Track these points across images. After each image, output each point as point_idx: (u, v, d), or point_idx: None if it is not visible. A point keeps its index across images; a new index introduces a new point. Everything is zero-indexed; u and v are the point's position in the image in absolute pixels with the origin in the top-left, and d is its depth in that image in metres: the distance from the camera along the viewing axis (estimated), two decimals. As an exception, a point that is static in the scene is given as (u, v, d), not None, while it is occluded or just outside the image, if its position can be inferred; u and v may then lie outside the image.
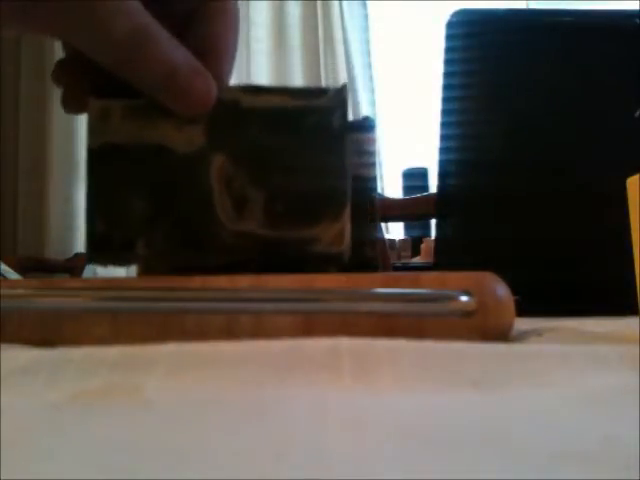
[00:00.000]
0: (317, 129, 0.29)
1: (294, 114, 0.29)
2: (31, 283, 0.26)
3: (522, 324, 0.26)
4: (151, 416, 0.13)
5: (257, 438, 0.12)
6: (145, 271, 0.30)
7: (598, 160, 0.56)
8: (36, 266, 1.72)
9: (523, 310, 0.25)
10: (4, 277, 0.78)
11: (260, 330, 0.23)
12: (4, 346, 0.21)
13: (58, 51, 0.33)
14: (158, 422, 0.13)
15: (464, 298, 0.22)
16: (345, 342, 0.18)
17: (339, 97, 0.30)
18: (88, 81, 0.31)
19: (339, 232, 0.28)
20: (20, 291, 0.25)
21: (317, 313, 0.23)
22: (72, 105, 0.31)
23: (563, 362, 0.17)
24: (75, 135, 1.93)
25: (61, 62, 0.32)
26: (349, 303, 0.23)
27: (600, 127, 0.56)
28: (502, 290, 0.23)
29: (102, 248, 0.29)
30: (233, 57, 0.33)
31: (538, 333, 0.25)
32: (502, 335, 0.23)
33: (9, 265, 0.85)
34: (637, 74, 0.54)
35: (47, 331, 0.24)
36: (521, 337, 0.25)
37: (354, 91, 2.02)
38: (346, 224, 0.28)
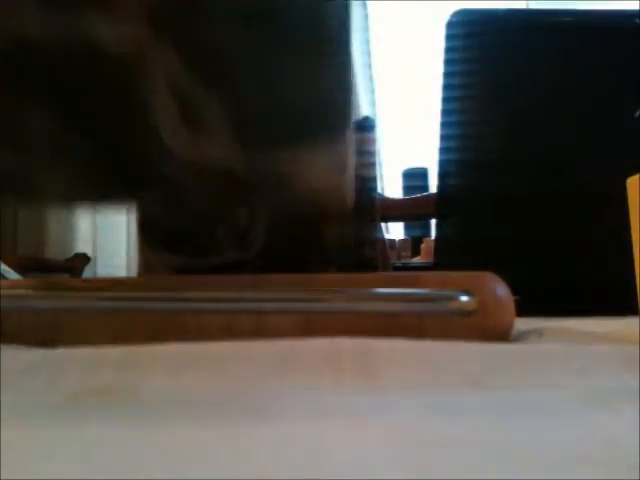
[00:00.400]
0: (309, 24, 0.20)
1: (277, 2, 0.20)
2: (31, 283, 0.26)
3: (522, 324, 0.26)
4: (151, 416, 0.13)
5: (257, 438, 0.12)
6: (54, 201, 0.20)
7: (598, 160, 0.56)
8: (36, 266, 1.72)
9: (523, 310, 0.25)
10: (4, 277, 0.78)
11: (260, 330, 0.23)
12: (4, 346, 0.21)
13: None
14: (158, 422, 0.13)
15: (464, 298, 0.22)
16: (345, 342, 0.18)
17: None
18: None
19: (337, 166, 0.20)
20: (20, 291, 0.25)
21: (317, 313, 0.23)
22: None
23: (563, 362, 0.17)
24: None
25: None
26: (349, 303, 0.23)
27: (600, 127, 0.56)
28: (502, 290, 0.23)
29: None
30: None
31: (538, 333, 0.25)
32: (502, 335, 0.23)
33: (9, 265, 0.85)
34: (637, 74, 0.54)
35: (47, 331, 0.24)
36: (521, 337, 0.25)
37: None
38: (347, 155, 0.20)
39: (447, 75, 0.57)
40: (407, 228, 1.84)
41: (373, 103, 2.14)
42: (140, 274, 0.30)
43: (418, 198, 1.05)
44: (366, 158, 0.31)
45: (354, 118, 0.29)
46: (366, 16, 2.16)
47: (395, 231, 1.83)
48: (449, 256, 0.56)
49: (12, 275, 0.82)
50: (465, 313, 0.22)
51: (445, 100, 0.57)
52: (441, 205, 0.58)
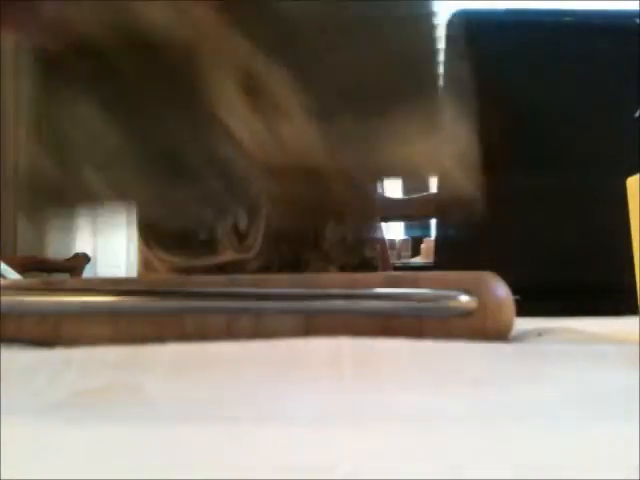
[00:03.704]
0: None
1: None
2: (31, 283, 0.26)
3: (522, 324, 0.26)
4: (151, 416, 0.13)
5: (257, 438, 0.12)
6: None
7: (598, 160, 0.56)
8: (36, 266, 1.72)
9: (523, 310, 0.25)
10: (4, 277, 0.78)
11: (260, 330, 0.23)
12: (4, 346, 0.21)
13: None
14: (158, 422, 0.13)
15: (464, 298, 0.22)
16: (345, 342, 0.18)
17: None
18: None
19: None
20: (20, 291, 0.25)
21: (317, 313, 0.23)
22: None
23: (563, 361, 0.17)
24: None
25: None
26: (349, 303, 0.23)
27: (600, 127, 0.56)
28: (502, 290, 0.23)
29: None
30: None
31: (538, 333, 0.25)
32: (502, 335, 0.23)
33: (9, 265, 0.85)
34: (637, 74, 0.54)
35: (47, 331, 0.24)
36: (521, 337, 0.25)
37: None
38: None
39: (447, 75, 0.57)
40: (407, 228, 1.84)
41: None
42: (140, 274, 0.30)
43: (418, 198, 1.05)
44: None
45: None
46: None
47: (395, 231, 1.83)
48: (449, 256, 0.56)
49: (12, 275, 0.82)
50: (465, 313, 0.22)
51: (445, 100, 0.57)
52: (441, 205, 0.58)
